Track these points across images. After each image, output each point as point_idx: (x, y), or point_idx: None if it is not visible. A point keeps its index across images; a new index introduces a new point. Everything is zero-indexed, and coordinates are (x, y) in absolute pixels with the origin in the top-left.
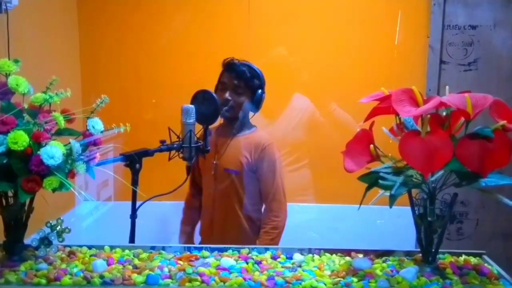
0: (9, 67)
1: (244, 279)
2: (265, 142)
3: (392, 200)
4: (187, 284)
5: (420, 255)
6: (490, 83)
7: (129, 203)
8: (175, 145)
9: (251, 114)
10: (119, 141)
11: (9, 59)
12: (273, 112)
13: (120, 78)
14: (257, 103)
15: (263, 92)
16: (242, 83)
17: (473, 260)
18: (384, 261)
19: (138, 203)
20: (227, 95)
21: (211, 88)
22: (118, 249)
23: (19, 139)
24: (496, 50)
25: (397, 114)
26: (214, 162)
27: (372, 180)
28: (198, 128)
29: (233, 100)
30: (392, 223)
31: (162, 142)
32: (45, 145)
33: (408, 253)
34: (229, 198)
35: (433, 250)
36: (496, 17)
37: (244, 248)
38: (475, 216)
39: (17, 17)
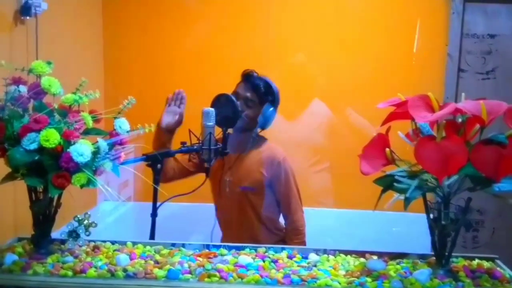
0: (43, 69)
1: (261, 276)
2: (279, 156)
3: (406, 203)
4: (206, 279)
5: (434, 258)
6: (508, 92)
7: (149, 203)
8: (195, 147)
9: (258, 130)
10: (139, 142)
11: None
12: (291, 115)
13: (141, 81)
14: (266, 119)
15: (275, 110)
16: (255, 96)
17: (486, 264)
18: (398, 263)
19: (158, 203)
20: (239, 106)
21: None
22: (140, 245)
23: (51, 137)
24: None
25: (413, 120)
26: (227, 179)
27: (387, 183)
28: (217, 132)
29: (242, 111)
30: (408, 230)
31: (183, 143)
32: (74, 143)
33: (422, 256)
34: (246, 213)
35: (446, 253)
36: None
37: (260, 247)
38: (491, 225)
39: (46, 21)
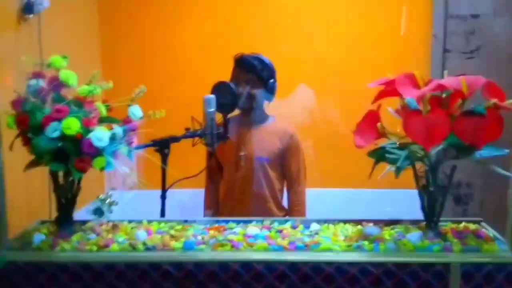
0: (60, 63)
1: (269, 244)
2: (290, 130)
3: (397, 171)
4: (219, 248)
5: (424, 223)
6: (492, 70)
7: (153, 191)
8: (198, 132)
9: (266, 103)
10: (141, 131)
11: (41, 56)
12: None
13: (139, 73)
14: (270, 92)
15: (275, 81)
16: (254, 76)
17: (471, 226)
18: (392, 229)
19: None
20: (240, 89)
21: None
22: (155, 223)
23: (72, 125)
24: (497, 38)
25: (401, 96)
26: (241, 153)
27: (379, 155)
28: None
29: (247, 92)
30: (400, 207)
31: (187, 129)
32: (92, 131)
33: (413, 222)
34: (259, 185)
35: (435, 217)
36: (497, 6)
37: (266, 220)
38: (479, 198)
39: (47, 18)
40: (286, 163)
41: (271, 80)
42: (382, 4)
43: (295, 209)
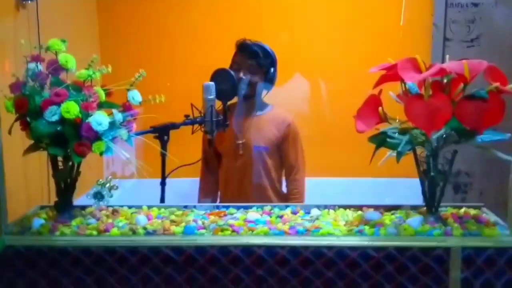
0: (59, 46)
1: (269, 228)
2: (288, 118)
3: (398, 156)
4: (220, 233)
5: (425, 208)
6: (492, 59)
7: (153, 180)
8: (198, 119)
9: (264, 92)
10: (140, 119)
11: (39, 42)
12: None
13: (137, 61)
14: (270, 81)
15: (275, 71)
16: (255, 62)
17: (472, 211)
18: (392, 214)
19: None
20: (241, 74)
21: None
22: (155, 208)
23: (71, 108)
24: (498, 26)
25: (402, 81)
26: (240, 142)
27: (380, 140)
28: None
29: (247, 79)
30: (400, 197)
31: (186, 116)
32: (91, 115)
33: (413, 207)
34: (257, 174)
35: (436, 202)
36: None
37: (266, 205)
38: (479, 187)
39: (45, 4)
40: (284, 152)
41: (272, 69)
42: None
43: (293, 198)
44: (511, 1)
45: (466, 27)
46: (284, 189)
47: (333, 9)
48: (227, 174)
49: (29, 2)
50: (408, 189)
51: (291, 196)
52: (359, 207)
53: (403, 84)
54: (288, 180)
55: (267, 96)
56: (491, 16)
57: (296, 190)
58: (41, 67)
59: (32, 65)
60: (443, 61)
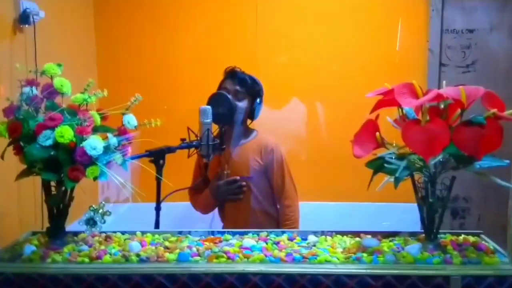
0: (54, 70)
1: (265, 255)
2: (271, 143)
3: (396, 182)
4: (215, 260)
5: (423, 235)
6: (488, 84)
7: (147, 204)
8: (194, 143)
9: (248, 121)
10: (136, 143)
11: (36, 66)
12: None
13: (135, 84)
14: (256, 110)
15: (261, 102)
16: (244, 89)
17: (471, 238)
18: (390, 241)
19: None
20: None
21: None
22: (149, 234)
23: (65, 133)
24: (493, 52)
25: (399, 106)
26: (226, 172)
27: (378, 165)
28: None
29: (235, 105)
30: (398, 221)
31: (182, 140)
32: (86, 139)
33: (412, 234)
34: (246, 202)
35: (434, 229)
36: (492, 21)
37: (262, 231)
38: (477, 212)
39: (43, 28)
40: (270, 178)
41: (258, 99)
42: (379, 18)
43: (286, 225)
44: (505, 27)
45: (461, 53)
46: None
47: (330, 34)
48: (221, 177)
49: (27, 26)
50: (406, 214)
51: (284, 223)
52: (356, 234)
53: (400, 109)
54: (279, 206)
55: (264, 121)
56: (486, 42)
57: (288, 217)
58: (36, 91)
59: (26, 89)
60: (439, 86)
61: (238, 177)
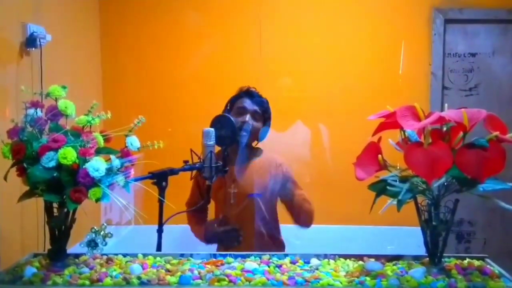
0: (59, 92)
1: (267, 279)
2: (278, 159)
3: (399, 205)
4: (216, 283)
5: (427, 259)
6: (491, 107)
7: (150, 226)
8: (197, 165)
9: (255, 142)
10: (138, 164)
11: (41, 88)
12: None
13: (138, 106)
14: (264, 132)
15: (270, 124)
16: (261, 110)
17: (476, 262)
18: (394, 264)
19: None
20: (247, 118)
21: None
22: (150, 257)
23: (68, 154)
24: (495, 75)
25: (401, 128)
26: (232, 191)
27: (380, 188)
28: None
29: (252, 125)
30: (402, 245)
31: (185, 162)
32: (89, 161)
33: (416, 258)
34: (252, 221)
35: (438, 253)
36: (494, 45)
37: (265, 254)
38: (482, 236)
39: (49, 51)
40: (280, 189)
41: (269, 121)
42: (382, 42)
43: (304, 205)
44: (508, 51)
45: (464, 76)
46: (282, 236)
47: (333, 57)
48: (222, 223)
49: (33, 49)
50: (410, 238)
51: (303, 203)
52: (360, 257)
53: (402, 132)
54: (293, 199)
55: (267, 143)
56: (488, 65)
57: (306, 200)
58: (41, 113)
59: (31, 111)
60: (442, 109)
61: (237, 227)
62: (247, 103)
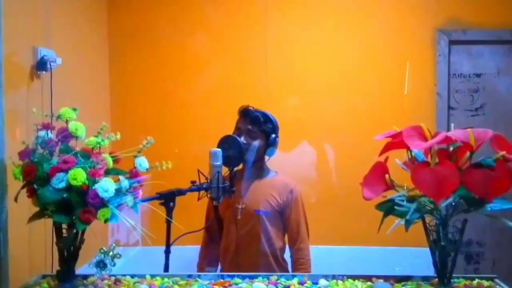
0: (70, 115)
1: None
2: (291, 184)
3: (407, 225)
4: None
5: (436, 279)
6: (497, 127)
7: (157, 247)
8: (204, 186)
9: (266, 158)
10: (145, 185)
11: (51, 111)
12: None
13: (147, 128)
14: (271, 147)
15: (276, 137)
16: (256, 127)
17: (485, 283)
18: (403, 285)
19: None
20: (242, 139)
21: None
22: (158, 278)
23: (78, 175)
24: (501, 96)
25: (408, 148)
26: (240, 206)
27: (388, 208)
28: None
29: (248, 144)
30: (410, 266)
31: (193, 182)
32: (98, 182)
33: (425, 278)
34: (257, 240)
35: (447, 273)
36: (499, 65)
37: (272, 275)
38: (491, 257)
39: (59, 74)
40: (287, 218)
41: (273, 135)
42: (387, 63)
43: (300, 268)
44: None
45: (469, 97)
46: (287, 258)
47: (339, 78)
48: (227, 239)
49: (44, 72)
50: (419, 259)
51: (298, 266)
52: (368, 278)
53: (408, 152)
54: (292, 249)
55: (273, 163)
56: (494, 85)
57: (303, 260)
58: (51, 134)
59: (42, 133)
60: (448, 129)
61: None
62: (241, 123)
